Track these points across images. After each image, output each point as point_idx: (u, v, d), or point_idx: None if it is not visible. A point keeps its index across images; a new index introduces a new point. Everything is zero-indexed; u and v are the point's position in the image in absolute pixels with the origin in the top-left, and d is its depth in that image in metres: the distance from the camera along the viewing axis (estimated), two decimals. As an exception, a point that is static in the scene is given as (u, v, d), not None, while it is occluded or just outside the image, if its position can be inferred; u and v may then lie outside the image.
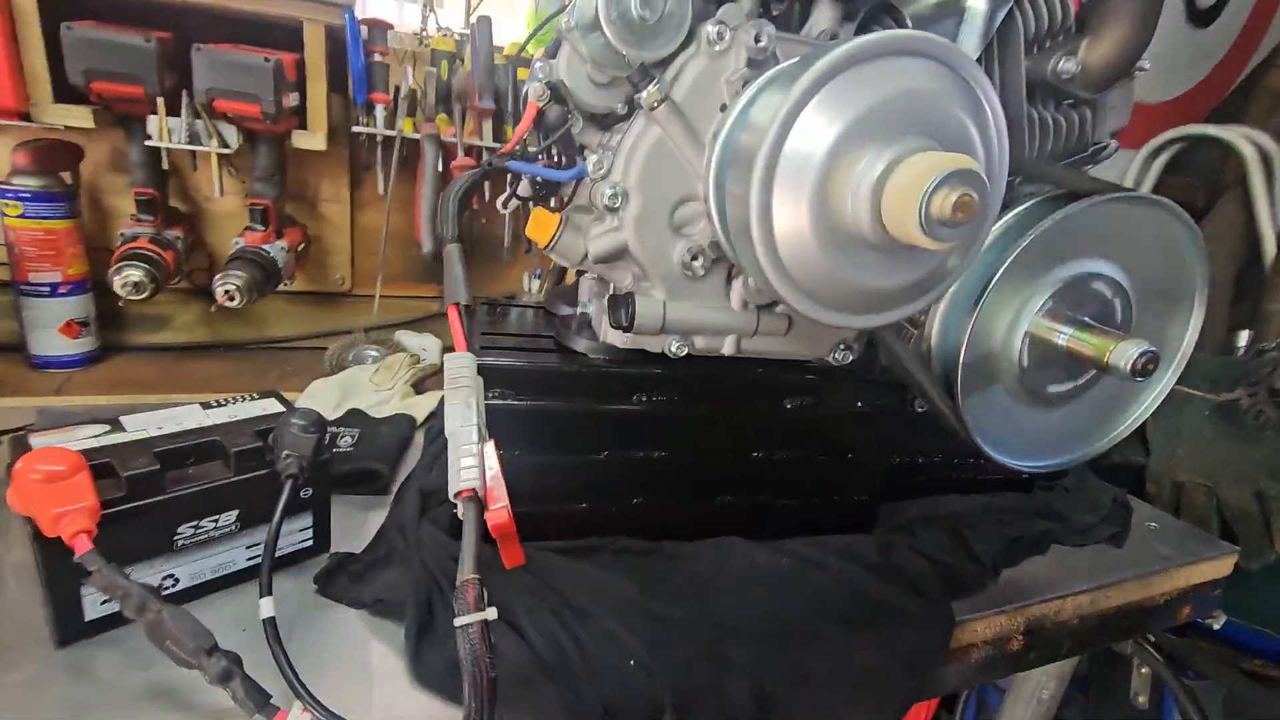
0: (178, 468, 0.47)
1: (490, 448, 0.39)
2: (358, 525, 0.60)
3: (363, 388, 0.83)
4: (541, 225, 0.53)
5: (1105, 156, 0.61)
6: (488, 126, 0.94)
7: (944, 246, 0.35)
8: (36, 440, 0.45)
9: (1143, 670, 1.00)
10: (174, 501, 0.45)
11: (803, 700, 0.51)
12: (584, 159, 0.52)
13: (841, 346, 0.60)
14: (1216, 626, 0.82)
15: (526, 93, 0.52)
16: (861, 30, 0.54)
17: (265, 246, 0.87)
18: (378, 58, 0.89)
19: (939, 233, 0.34)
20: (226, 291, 0.79)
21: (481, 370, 0.54)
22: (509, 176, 0.56)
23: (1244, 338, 1.47)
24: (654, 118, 0.48)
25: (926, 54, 0.38)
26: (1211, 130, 1.66)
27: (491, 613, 0.34)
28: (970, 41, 0.52)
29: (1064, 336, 0.52)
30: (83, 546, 0.38)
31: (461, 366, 0.42)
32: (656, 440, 0.60)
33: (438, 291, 1.12)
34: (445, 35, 0.99)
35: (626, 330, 0.53)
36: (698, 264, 0.52)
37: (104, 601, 0.44)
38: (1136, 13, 0.50)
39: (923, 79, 0.38)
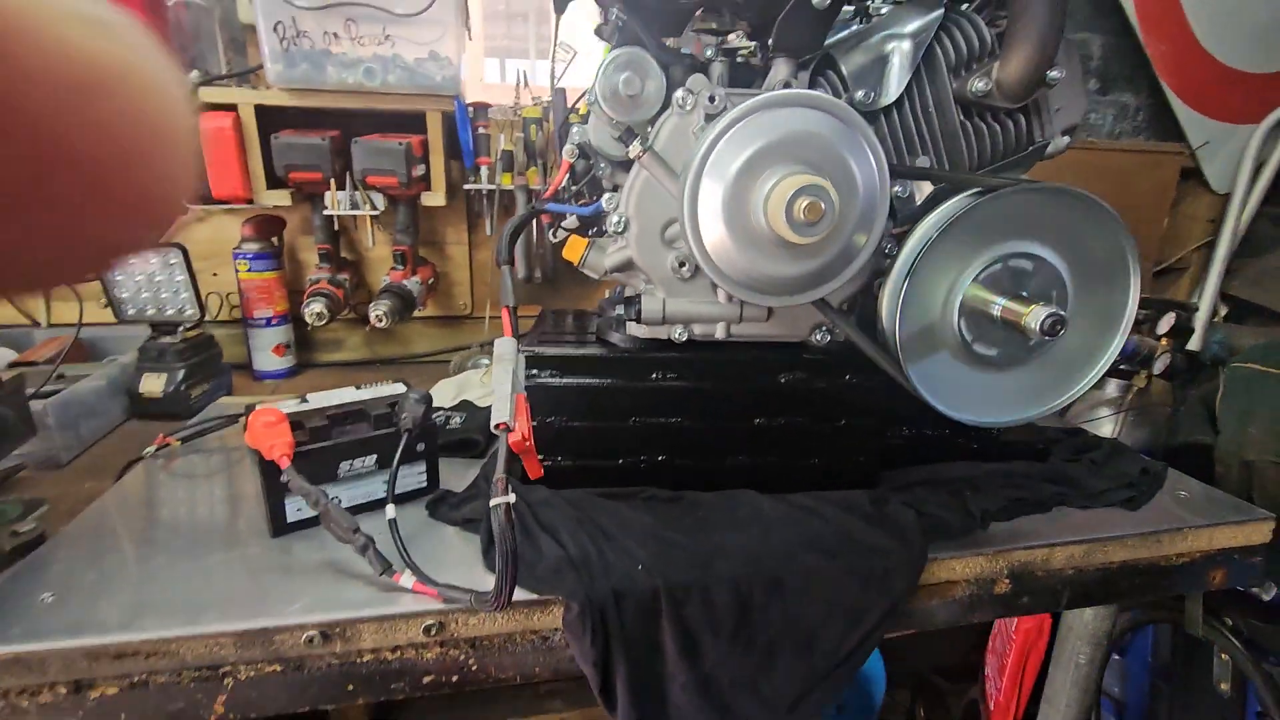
0: (340, 425, 0.71)
1: (520, 399, 0.58)
2: (463, 476, 0.82)
3: (474, 385, 1.07)
4: (574, 248, 0.73)
5: (1052, 153, 0.69)
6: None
7: (810, 240, 0.49)
8: (259, 408, 0.71)
9: (1223, 656, 0.97)
10: (337, 446, 0.69)
11: (777, 606, 0.65)
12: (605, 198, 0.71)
13: (821, 329, 0.73)
14: (1266, 598, 0.82)
15: (562, 153, 0.73)
16: (813, 79, 0.68)
17: (405, 281, 1.15)
18: (481, 130, 1.15)
19: (803, 230, 0.49)
20: (377, 316, 1.07)
21: (539, 358, 0.74)
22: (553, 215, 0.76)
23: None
24: (642, 164, 0.66)
25: (810, 105, 0.53)
26: (1344, 94, 1.53)
27: (512, 497, 0.53)
28: (896, 77, 0.64)
29: (997, 306, 0.62)
30: (285, 464, 0.62)
31: (505, 347, 0.62)
32: (673, 410, 0.76)
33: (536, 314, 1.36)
34: (535, 103, 1.23)
35: (636, 322, 0.71)
36: (685, 269, 0.69)
37: (298, 509, 0.68)
38: (1035, 37, 0.60)
39: (808, 124, 0.53)
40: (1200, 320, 1.64)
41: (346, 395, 0.75)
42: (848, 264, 0.57)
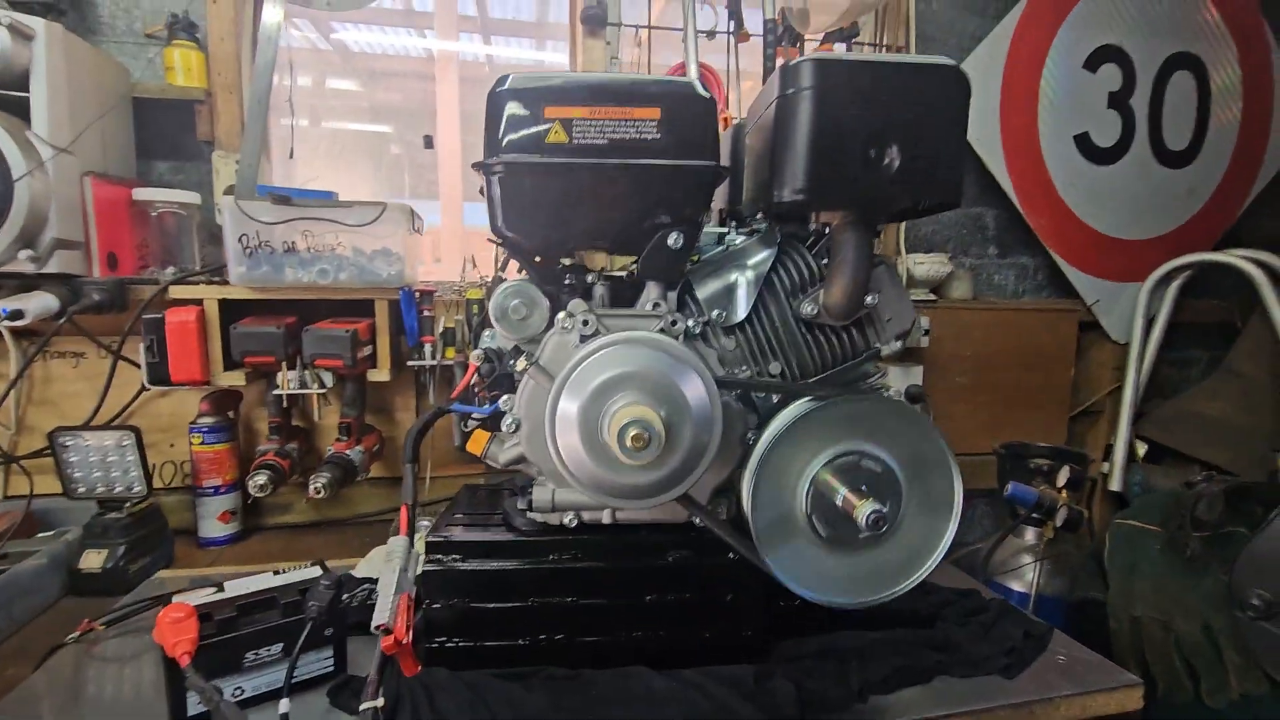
0: (249, 614, 0.76)
1: (404, 599, 0.64)
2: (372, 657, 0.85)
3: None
4: (477, 442, 0.81)
5: (886, 355, 0.81)
6: (503, 349, 1.28)
7: (640, 463, 0.58)
8: (176, 598, 0.76)
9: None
10: (243, 637, 0.74)
11: (654, 794, 0.67)
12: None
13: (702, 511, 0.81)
14: (1150, 767, 0.84)
15: (468, 357, 0.83)
16: (680, 297, 0.80)
17: (348, 452, 1.23)
18: (426, 313, 1.28)
19: (634, 456, 0.58)
20: (316, 488, 1.13)
21: (447, 544, 0.81)
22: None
23: (1284, 460, 1.44)
24: (530, 374, 0.76)
25: (647, 345, 0.64)
26: (1211, 257, 1.72)
27: (380, 701, 0.57)
28: (743, 300, 0.77)
29: (839, 496, 0.70)
30: (184, 661, 0.66)
31: (397, 546, 0.68)
32: (569, 589, 0.81)
33: (480, 472, 1.43)
34: (478, 284, 1.37)
35: (528, 510, 0.78)
36: (570, 463, 0.77)
37: (199, 702, 0.71)
38: (849, 273, 0.73)
39: (646, 358, 0.64)
40: (1117, 463, 1.73)
41: (261, 582, 0.81)
42: (696, 465, 0.65)
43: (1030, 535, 1.40)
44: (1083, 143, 1.74)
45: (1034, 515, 1.32)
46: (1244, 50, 1.81)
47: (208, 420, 1.22)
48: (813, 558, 0.73)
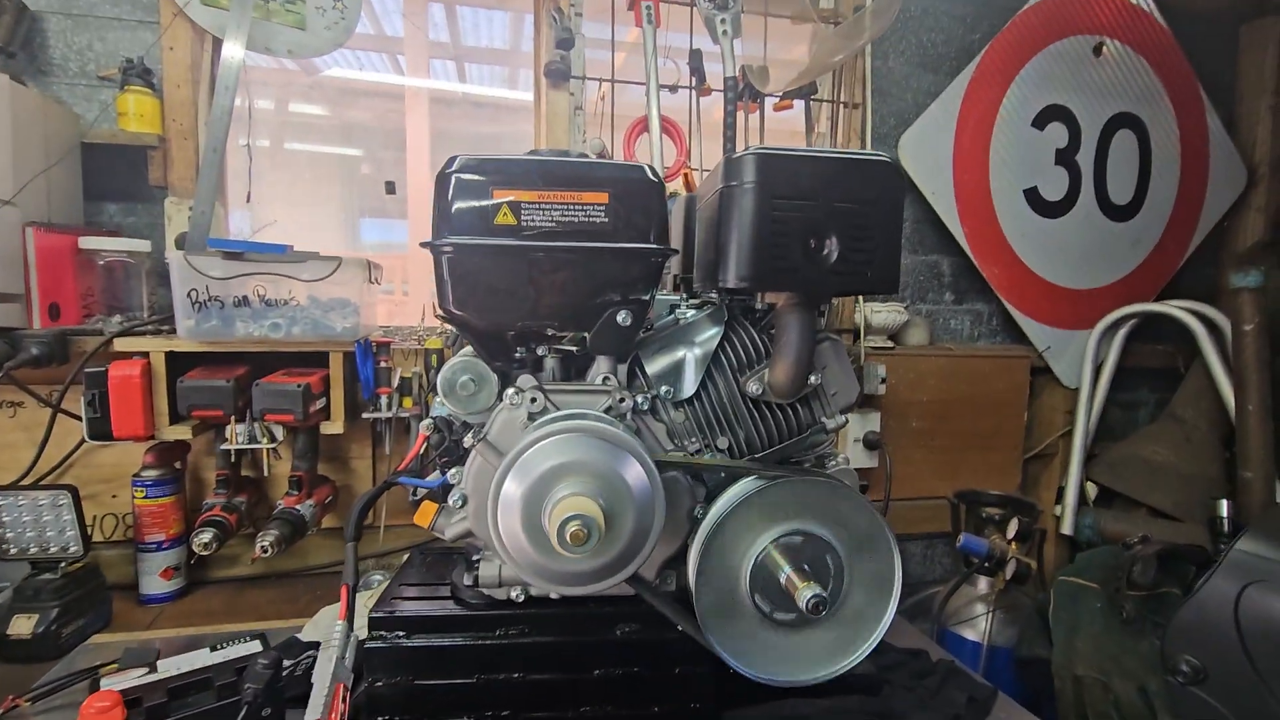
0: (182, 698, 0.74)
1: (339, 689, 0.63)
2: (312, 735, 0.83)
3: (359, 613, 1.10)
4: (424, 513, 0.81)
5: (832, 429, 0.82)
6: (461, 401, 1.27)
7: (579, 557, 0.58)
8: (105, 681, 0.74)
9: None
10: (174, 723, 0.71)
11: None
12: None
13: (656, 579, 0.81)
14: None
15: (418, 428, 0.83)
16: (630, 370, 0.81)
17: (298, 507, 1.20)
18: (383, 364, 1.26)
19: (573, 549, 0.58)
20: (263, 547, 1.11)
21: (391, 619, 0.79)
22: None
23: (1224, 507, 1.50)
24: (478, 451, 0.76)
25: (593, 433, 0.64)
26: (1154, 307, 1.79)
27: (312, 805, 0.56)
28: (690, 376, 0.78)
29: (783, 575, 0.71)
30: (108, 757, 0.64)
31: (336, 632, 0.67)
32: (518, 664, 0.80)
33: (437, 520, 1.41)
34: (438, 335, 1.37)
35: (474, 586, 0.78)
36: (517, 540, 0.77)
37: (125, 795, 0.69)
38: (792, 354, 0.74)
39: (587, 449, 0.64)
40: (1068, 506, 1.78)
41: (197, 660, 0.78)
42: (641, 546, 0.65)
43: (983, 584, 1.43)
44: (1032, 197, 1.80)
45: (986, 565, 1.35)
46: (1181, 113, 1.91)
47: (152, 473, 1.19)
48: (757, 634, 0.74)
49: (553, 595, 0.79)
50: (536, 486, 0.63)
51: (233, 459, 1.20)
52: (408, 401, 1.30)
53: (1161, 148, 1.91)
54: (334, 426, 1.22)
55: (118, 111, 1.28)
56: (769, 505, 0.73)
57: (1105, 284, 1.90)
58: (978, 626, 1.38)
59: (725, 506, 0.71)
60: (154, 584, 1.21)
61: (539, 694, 0.81)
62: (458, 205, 0.72)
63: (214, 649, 0.81)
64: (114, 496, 1.27)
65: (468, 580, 0.78)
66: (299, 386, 1.14)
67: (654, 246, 0.74)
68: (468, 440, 0.75)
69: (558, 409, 0.76)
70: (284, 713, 0.79)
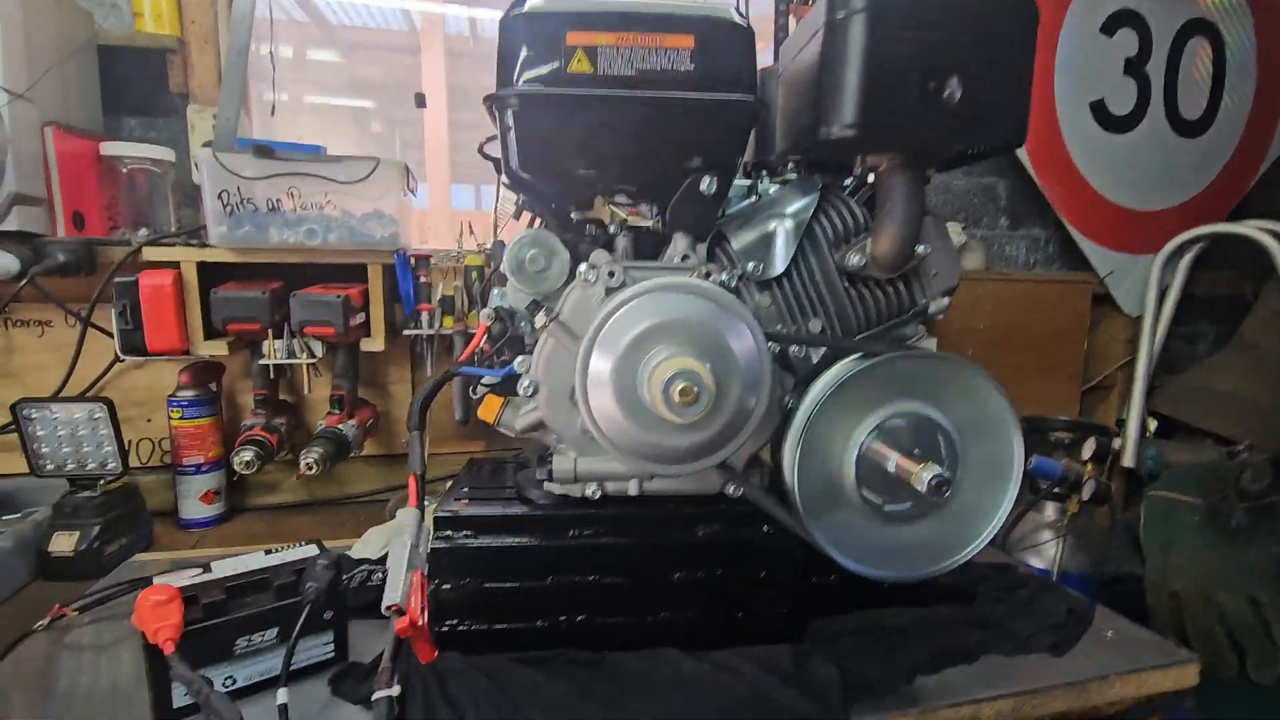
0: (239, 597, 0.69)
1: (417, 576, 0.58)
2: (375, 643, 0.78)
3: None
4: (488, 408, 0.74)
5: (934, 313, 0.75)
6: (505, 317, 1.21)
7: (688, 421, 0.52)
8: (158, 579, 0.69)
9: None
10: (233, 622, 0.67)
11: (692, 787, 0.61)
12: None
13: (731, 485, 0.75)
14: (1204, 744, 0.80)
15: (470, 325, 0.76)
16: (710, 249, 0.74)
17: (340, 426, 1.15)
18: (423, 279, 1.20)
19: (679, 412, 0.51)
20: (308, 464, 1.06)
21: (456, 519, 0.74)
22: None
23: (1304, 432, 1.41)
24: (550, 332, 0.69)
25: (689, 291, 0.57)
26: (1225, 228, 1.68)
27: (395, 689, 0.51)
28: (781, 252, 0.70)
29: (891, 463, 0.65)
30: (169, 649, 0.59)
31: (407, 519, 0.61)
32: (591, 567, 0.75)
33: (481, 448, 1.36)
34: (478, 251, 1.29)
35: (548, 481, 0.72)
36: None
37: (186, 694, 0.64)
38: (899, 220, 0.66)
39: (687, 308, 0.57)
40: (1130, 438, 1.70)
41: (252, 562, 0.73)
42: (741, 428, 0.59)
43: (1050, 511, 1.36)
44: (1098, 110, 1.69)
45: (1056, 490, 1.28)
46: (1260, 17, 1.77)
47: (188, 393, 1.14)
48: (861, 529, 0.67)
49: (631, 491, 0.73)
50: (632, 350, 0.56)
51: (271, 375, 1.14)
52: (448, 320, 1.23)
53: (1237, 59, 1.78)
54: (374, 344, 1.16)
55: (133, 12, 1.20)
56: (876, 385, 0.66)
57: (1172, 205, 1.79)
58: (1045, 554, 1.32)
59: (832, 382, 0.64)
60: (194, 508, 1.17)
61: (614, 598, 0.75)
62: (526, 51, 0.64)
63: (268, 552, 0.76)
64: (149, 421, 1.23)
65: (540, 475, 0.72)
66: (338, 298, 1.07)
67: (744, 98, 0.66)
68: (539, 320, 0.69)
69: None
70: (346, 621, 0.74)
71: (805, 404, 0.66)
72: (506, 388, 0.78)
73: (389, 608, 0.54)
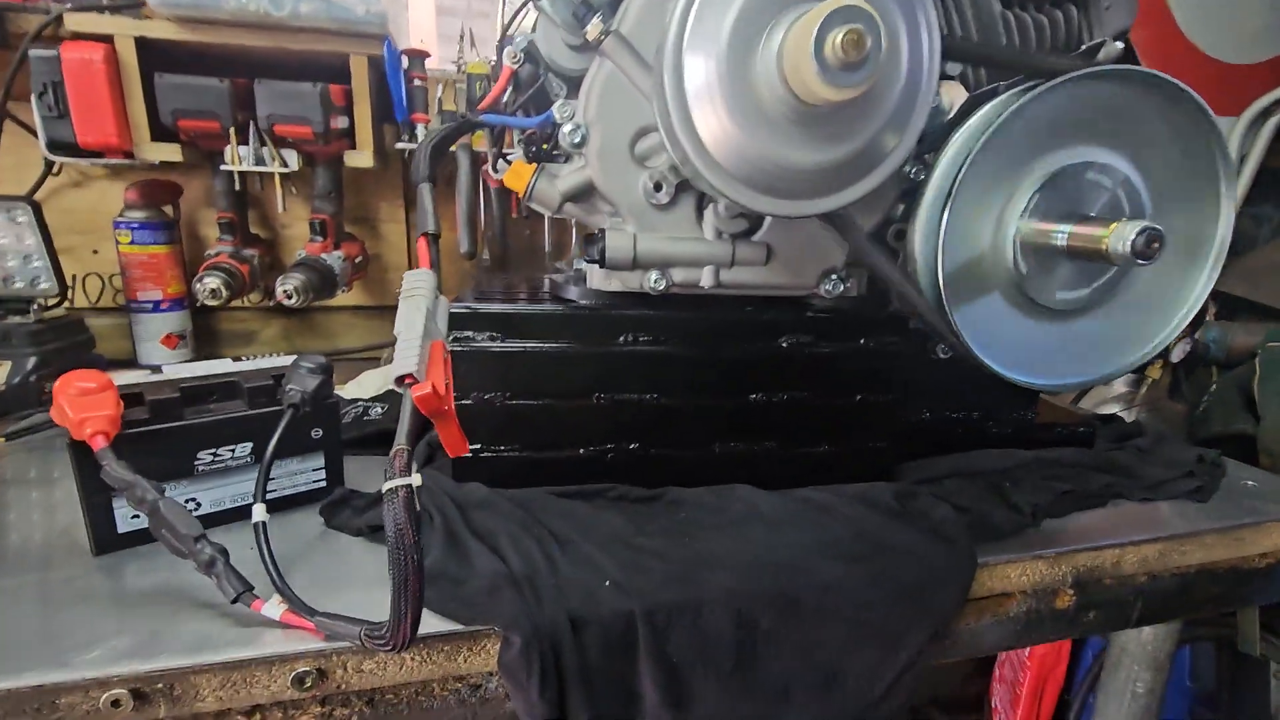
0: (199, 402, 0.53)
1: (437, 347, 0.42)
2: (375, 477, 0.64)
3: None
4: (518, 174, 0.57)
5: (1104, 59, 0.57)
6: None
7: (847, 94, 0.35)
8: (74, 371, 0.52)
9: (1281, 676, 0.84)
10: (191, 429, 0.51)
11: (791, 632, 0.48)
12: (556, 110, 0.56)
13: (832, 277, 0.58)
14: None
15: (502, 57, 0.57)
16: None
17: (323, 255, 0.97)
18: (418, 82, 0.99)
19: (837, 78, 0.34)
20: (285, 291, 0.88)
21: (476, 315, 0.58)
22: (493, 138, 0.60)
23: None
24: (604, 52, 0.51)
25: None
26: (1326, 83, 1.48)
27: (416, 478, 0.35)
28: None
29: (1061, 235, 0.48)
30: (99, 444, 0.44)
31: (418, 279, 0.45)
32: (647, 383, 0.60)
33: (487, 299, 1.19)
34: (482, 60, 1.08)
35: (600, 265, 0.55)
36: (661, 193, 0.53)
37: (134, 515, 0.49)
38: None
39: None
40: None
41: (219, 367, 0.57)
42: (874, 165, 0.42)
43: (1120, 384, 1.23)
44: (1199, -63, 1.45)
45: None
46: None
47: (138, 214, 0.95)
48: (1008, 325, 0.52)
49: (704, 283, 0.57)
50: (749, 16, 0.38)
51: (237, 188, 0.95)
52: (449, 141, 1.03)
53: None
54: (361, 157, 0.96)
55: None
56: (1051, 121, 0.48)
57: (1264, 59, 1.58)
58: (1111, 427, 1.20)
59: (997, 116, 0.47)
60: (155, 352, 1.00)
61: (676, 422, 0.61)
62: None
63: (238, 360, 0.60)
64: (95, 252, 1.04)
65: (589, 257, 0.55)
66: (316, 86, 0.87)
67: None
68: (592, 29, 0.50)
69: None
70: (339, 440, 0.59)
71: (953, 150, 0.49)
72: (537, 152, 0.61)
73: (404, 379, 0.38)
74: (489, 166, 0.68)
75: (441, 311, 0.46)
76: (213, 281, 0.89)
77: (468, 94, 1.02)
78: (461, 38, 1.10)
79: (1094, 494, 0.64)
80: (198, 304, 0.92)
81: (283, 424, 0.50)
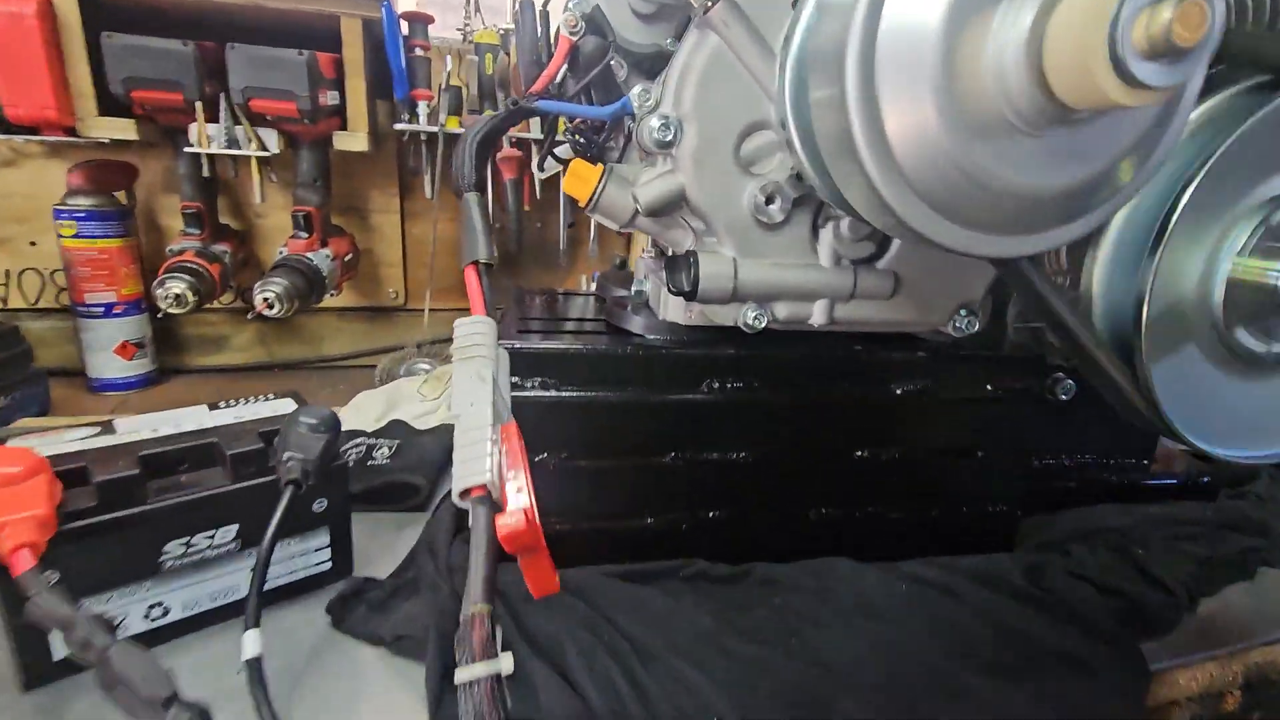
0: (166, 474, 0.40)
1: (512, 433, 0.30)
2: (389, 546, 0.52)
3: (409, 399, 0.77)
4: (581, 178, 0.44)
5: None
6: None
7: (1150, 98, 0.23)
8: (15, 441, 0.39)
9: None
10: (157, 514, 0.38)
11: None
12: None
13: (964, 312, 0.47)
14: None
15: (558, 27, 0.45)
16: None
17: (309, 254, 0.83)
18: (419, 52, 0.85)
19: (1145, 72, 0.23)
20: (265, 299, 0.75)
21: (521, 355, 0.46)
22: (545, 130, 0.48)
23: None
24: (709, 22, 0.38)
25: None
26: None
27: (506, 662, 0.24)
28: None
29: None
30: (23, 564, 0.31)
31: (475, 333, 0.33)
32: (733, 438, 0.49)
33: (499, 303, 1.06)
34: (491, 29, 0.94)
35: (689, 297, 0.43)
36: (774, 208, 0.41)
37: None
38: None
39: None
40: None
41: (189, 420, 0.44)
42: (1117, 188, 0.31)
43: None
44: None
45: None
46: None
47: (83, 201, 0.79)
48: (1208, 382, 0.42)
49: (816, 321, 0.45)
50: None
51: (205, 174, 0.80)
52: (453, 121, 0.89)
53: None
54: (353, 140, 0.82)
55: None
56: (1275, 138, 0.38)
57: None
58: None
59: (1213, 129, 0.36)
60: (107, 364, 0.85)
61: (765, 485, 0.50)
62: None
63: (215, 407, 0.47)
64: (33, 244, 0.88)
65: (677, 283, 0.43)
66: (302, 55, 0.72)
67: None
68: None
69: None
70: (349, 514, 0.47)
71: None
72: (596, 152, 0.48)
73: (470, 492, 0.26)
74: (534, 164, 0.56)
75: (503, 371, 0.34)
76: (176, 286, 0.75)
77: (480, 69, 0.88)
78: (467, 1, 0.95)
79: (1237, 561, 0.55)
80: (159, 313, 0.77)
81: (281, 509, 0.38)
